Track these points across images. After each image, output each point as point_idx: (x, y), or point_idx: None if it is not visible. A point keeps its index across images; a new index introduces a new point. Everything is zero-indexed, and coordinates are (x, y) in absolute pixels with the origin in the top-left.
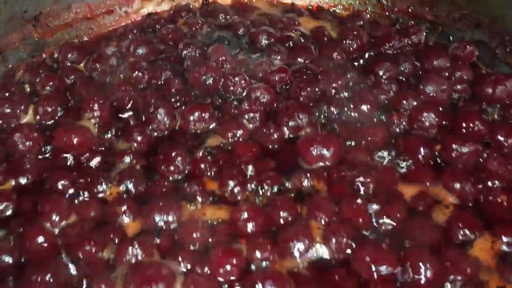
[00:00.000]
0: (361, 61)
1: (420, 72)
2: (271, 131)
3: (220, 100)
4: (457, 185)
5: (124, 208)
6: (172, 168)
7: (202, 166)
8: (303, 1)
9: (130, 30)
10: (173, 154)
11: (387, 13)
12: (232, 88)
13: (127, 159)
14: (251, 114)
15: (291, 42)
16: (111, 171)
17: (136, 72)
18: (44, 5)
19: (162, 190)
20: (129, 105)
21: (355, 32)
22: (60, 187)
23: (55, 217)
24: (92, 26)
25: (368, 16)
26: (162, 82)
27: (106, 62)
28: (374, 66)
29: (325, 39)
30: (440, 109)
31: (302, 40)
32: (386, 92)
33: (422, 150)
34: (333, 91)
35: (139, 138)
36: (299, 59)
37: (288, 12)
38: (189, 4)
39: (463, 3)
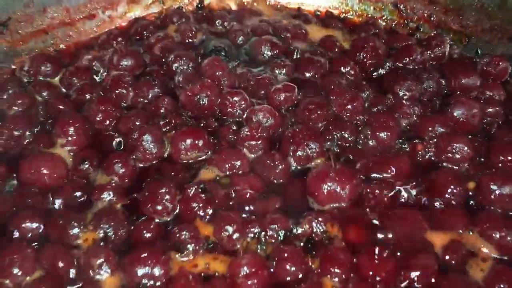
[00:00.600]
0: (378, 78)
1: (446, 91)
2: (276, 162)
3: (216, 124)
4: (496, 235)
5: (100, 260)
6: (159, 208)
7: (195, 206)
8: (311, 5)
9: (114, 37)
10: (161, 191)
11: (405, 21)
12: (230, 109)
13: (106, 197)
14: (252, 142)
15: (297, 54)
16: (87, 212)
17: (120, 89)
18: (14, 9)
19: (147, 237)
20: (110, 129)
21: (370, 43)
22: (24, 231)
23: (17, 272)
24: (71, 33)
25: (384, 24)
26: (149, 101)
27: (85, 76)
28: (393, 84)
29: (336, 50)
30: (470, 137)
31: (310, 52)
32: (408, 116)
33: (452, 188)
34: (347, 114)
35: (121, 171)
36: (307, 74)
37: (294, 18)
38: (182, 8)
39: (494, 12)
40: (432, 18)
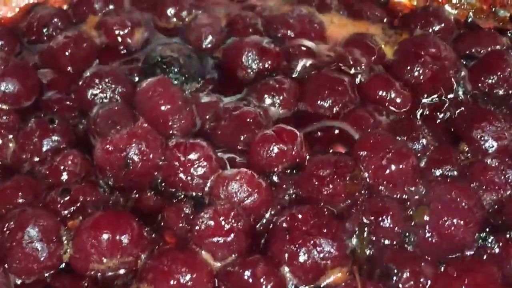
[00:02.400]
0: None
1: None
2: (260, 279)
3: (156, 198)
4: None
5: None
6: None
7: None
8: None
9: None
10: None
11: (491, 7)
12: (182, 176)
13: None
14: (218, 239)
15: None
16: None
17: None
18: None
19: None
20: None
21: (430, 49)
22: None
23: None
24: None
25: (455, 11)
26: (42, 159)
27: None
28: (469, 126)
29: (372, 61)
30: None
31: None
32: (497, 188)
33: None
34: (389, 185)
35: None
36: (320, 107)
37: (303, 3)
38: None
39: None
40: None
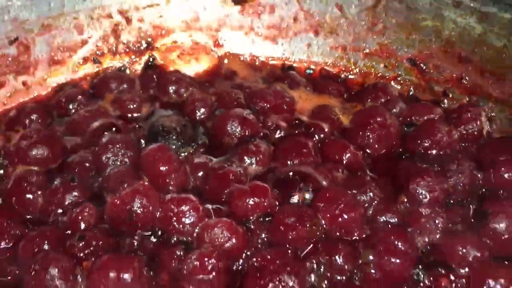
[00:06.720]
0: (390, 169)
1: (484, 190)
2: None
3: (155, 243)
4: None
5: None
6: None
7: None
8: (301, 61)
9: (28, 114)
10: None
11: (428, 84)
12: (175, 224)
13: None
14: (202, 276)
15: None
16: None
17: (24, 195)
18: None
19: None
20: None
21: (378, 118)
22: None
23: None
24: None
25: (399, 87)
26: (65, 211)
27: None
28: (408, 181)
29: (331, 127)
30: None
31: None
32: (429, 233)
33: None
34: (341, 230)
35: None
36: (290, 163)
37: (278, 81)
38: (125, 69)
39: None
40: (464, 81)
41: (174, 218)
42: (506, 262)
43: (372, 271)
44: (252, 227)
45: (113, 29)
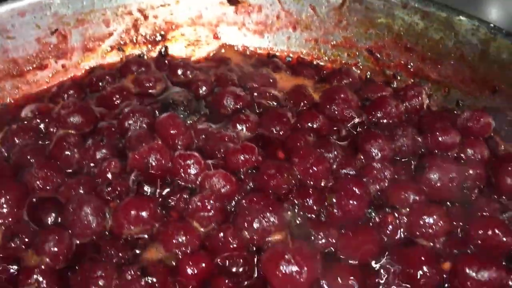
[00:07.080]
0: (350, 135)
1: (423, 150)
2: (229, 238)
3: (166, 191)
4: None
5: None
6: None
7: None
8: (282, 51)
9: (66, 90)
10: (95, 275)
11: (381, 68)
12: (183, 174)
13: (34, 281)
14: (203, 213)
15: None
16: None
17: (64, 151)
18: None
19: None
20: (48, 199)
21: (342, 95)
22: None
23: None
24: (20, 85)
25: (359, 71)
26: (96, 165)
27: (29, 136)
28: (363, 143)
29: (305, 102)
30: (449, 204)
31: (276, 104)
32: (379, 181)
33: (424, 268)
34: (312, 179)
35: (53, 250)
36: (272, 129)
37: (263, 66)
38: (143, 56)
39: (475, 63)
40: (409, 66)
41: (182, 170)
42: (437, 204)
43: (335, 210)
44: (242, 177)
45: (134, 24)
